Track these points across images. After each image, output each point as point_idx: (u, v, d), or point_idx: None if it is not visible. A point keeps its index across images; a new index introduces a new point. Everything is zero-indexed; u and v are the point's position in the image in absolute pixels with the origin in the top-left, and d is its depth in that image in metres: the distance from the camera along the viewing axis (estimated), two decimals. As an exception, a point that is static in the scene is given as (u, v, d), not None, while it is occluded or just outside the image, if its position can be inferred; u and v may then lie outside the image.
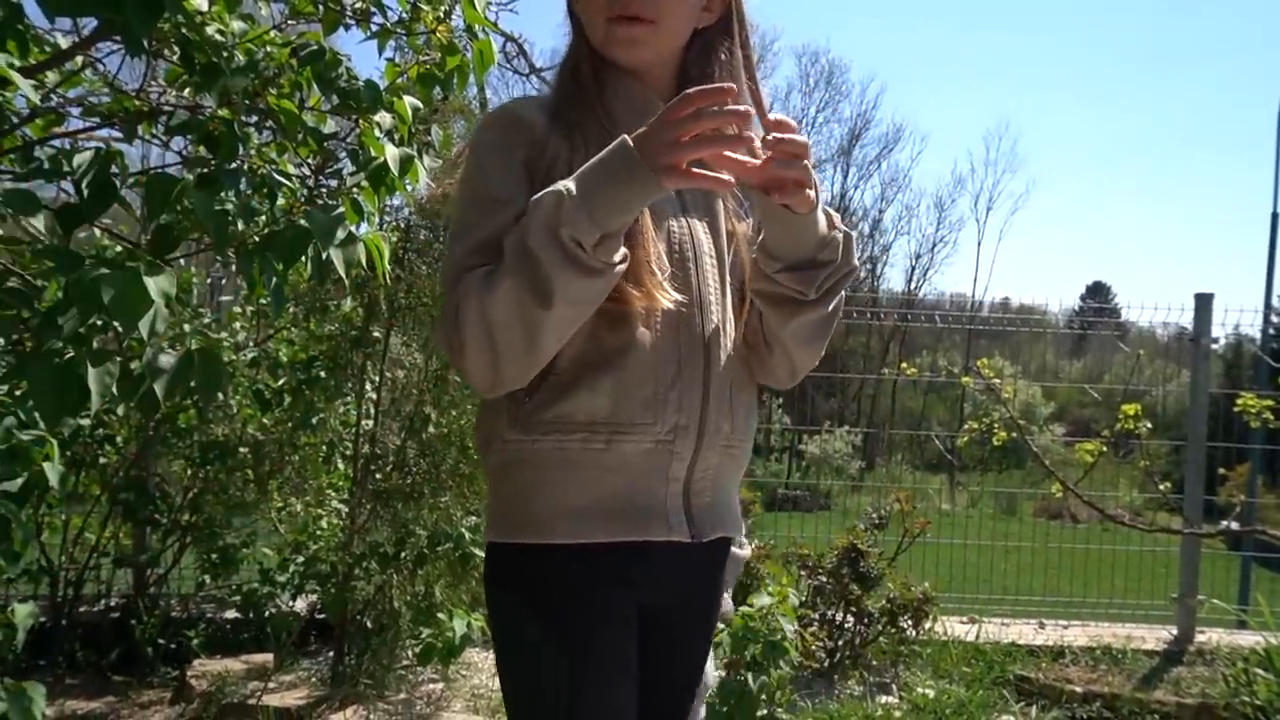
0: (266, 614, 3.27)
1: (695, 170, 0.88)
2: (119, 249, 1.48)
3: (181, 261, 2.94)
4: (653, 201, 0.95)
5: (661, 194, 0.91)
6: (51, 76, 1.54)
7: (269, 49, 1.58)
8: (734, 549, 1.23)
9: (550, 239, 0.89)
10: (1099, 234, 57.56)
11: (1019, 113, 56.84)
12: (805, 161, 0.95)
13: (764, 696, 2.67)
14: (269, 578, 3.30)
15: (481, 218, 1.02)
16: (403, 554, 3.07)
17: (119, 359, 1.18)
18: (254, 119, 1.55)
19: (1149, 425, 3.62)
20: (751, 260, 1.10)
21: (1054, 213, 56.78)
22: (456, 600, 3.12)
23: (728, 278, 1.14)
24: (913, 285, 28.32)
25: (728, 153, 0.89)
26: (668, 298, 1.02)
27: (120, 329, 1.12)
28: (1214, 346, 4.54)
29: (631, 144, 0.89)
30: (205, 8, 1.44)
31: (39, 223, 1.30)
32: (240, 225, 1.36)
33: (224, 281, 4.32)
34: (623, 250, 0.94)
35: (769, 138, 0.93)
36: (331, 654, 3.31)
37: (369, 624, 3.21)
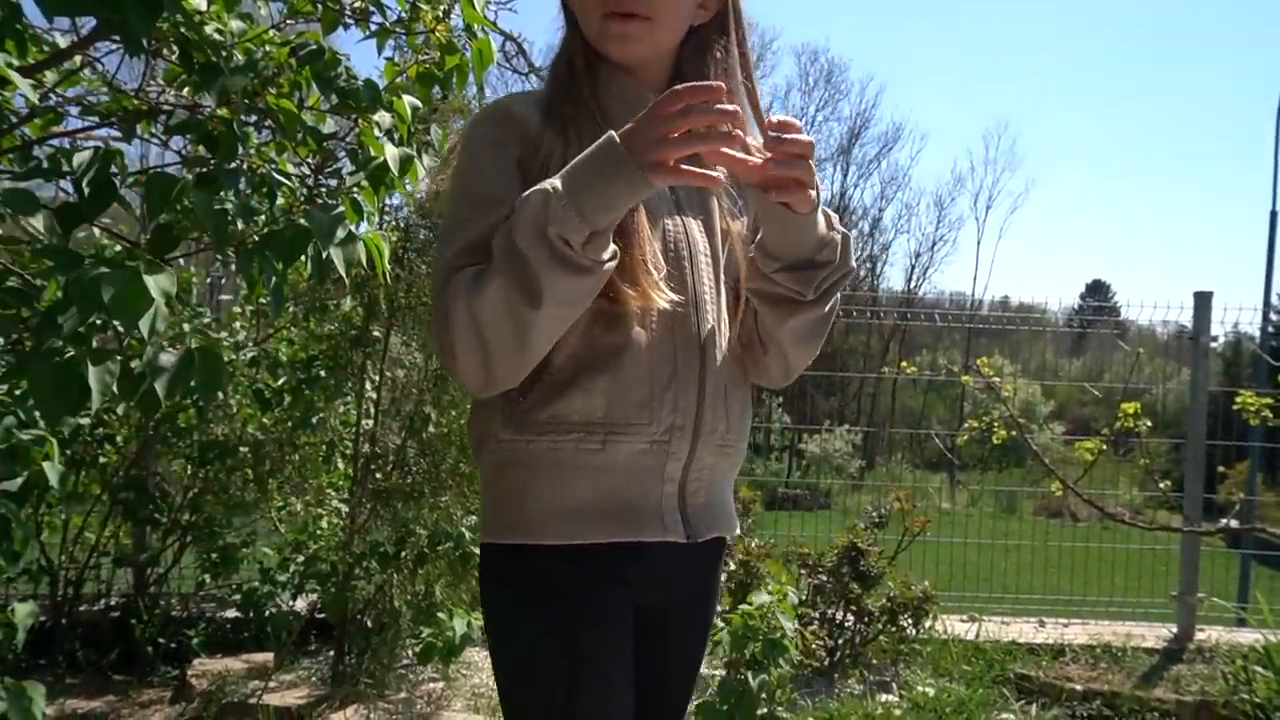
0: (267, 613, 3.27)
1: (685, 167, 0.87)
2: (119, 248, 1.48)
3: (181, 261, 2.94)
4: (642, 199, 0.94)
5: (650, 191, 0.90)
6: (50, 76, 1.54)
7: (268, 48, 1.58)
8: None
9: (538, 238, 0.88)
10: (1098, 232, 57.63)
11: (1018, 111, 56.88)
12: (807, 161, 0.94)
13: (764, 695, 2.67)
14: (269, 577, 3.30)
15: (473, 216, 1.01)
16: (403, 553, 3.07)
17: (119, 358, 1.18)
18: (253, 118, 1.55)
19: (1149, 423, 3.63)
20: (748, 259, 1.09)
21: (1053, 211, 56.83)
22: (457, 600, 3.12)
23: (722, 276, 1.14)
24: (912, 284, 28.35)
25: (725, 150, 0.88)
26: (663, 297, 1.01)
27: (120, 328, 1.12)
28: (1213, 345, 4.55)
29: (618, 140, 0.88)
30: (204, 7, 1.44)
31: (38, 222, 1.30)
32: (240, 225, 1.36)
33: (224, 281, 4.32)
34: (612, 248, 0.93)
35: (771, 137, 0.92)
36: (332, 653, 3.31)
37: (369, 623, 3.21)
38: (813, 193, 0.96)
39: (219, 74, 1.39)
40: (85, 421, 2.93)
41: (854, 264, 1.09)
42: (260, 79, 1.49)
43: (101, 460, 3.30)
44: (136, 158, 2.86)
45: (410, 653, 3.27)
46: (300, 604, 3.44)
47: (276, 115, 1.51)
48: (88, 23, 1.43)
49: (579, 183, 0.89)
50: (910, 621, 3.70)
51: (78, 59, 1.55)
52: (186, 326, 2.92)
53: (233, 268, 1.44)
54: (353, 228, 1.48)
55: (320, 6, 1.63)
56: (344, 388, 3.22)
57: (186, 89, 1.54)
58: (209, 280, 4.20)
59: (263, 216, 1.48)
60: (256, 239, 1.40)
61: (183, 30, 1.39)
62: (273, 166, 1.55)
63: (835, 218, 1.06)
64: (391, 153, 1.60)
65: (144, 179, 1.36)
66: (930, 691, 3.47)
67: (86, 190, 1.27)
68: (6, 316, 1.22)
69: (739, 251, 1.13)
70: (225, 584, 3.48)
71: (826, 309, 1.09)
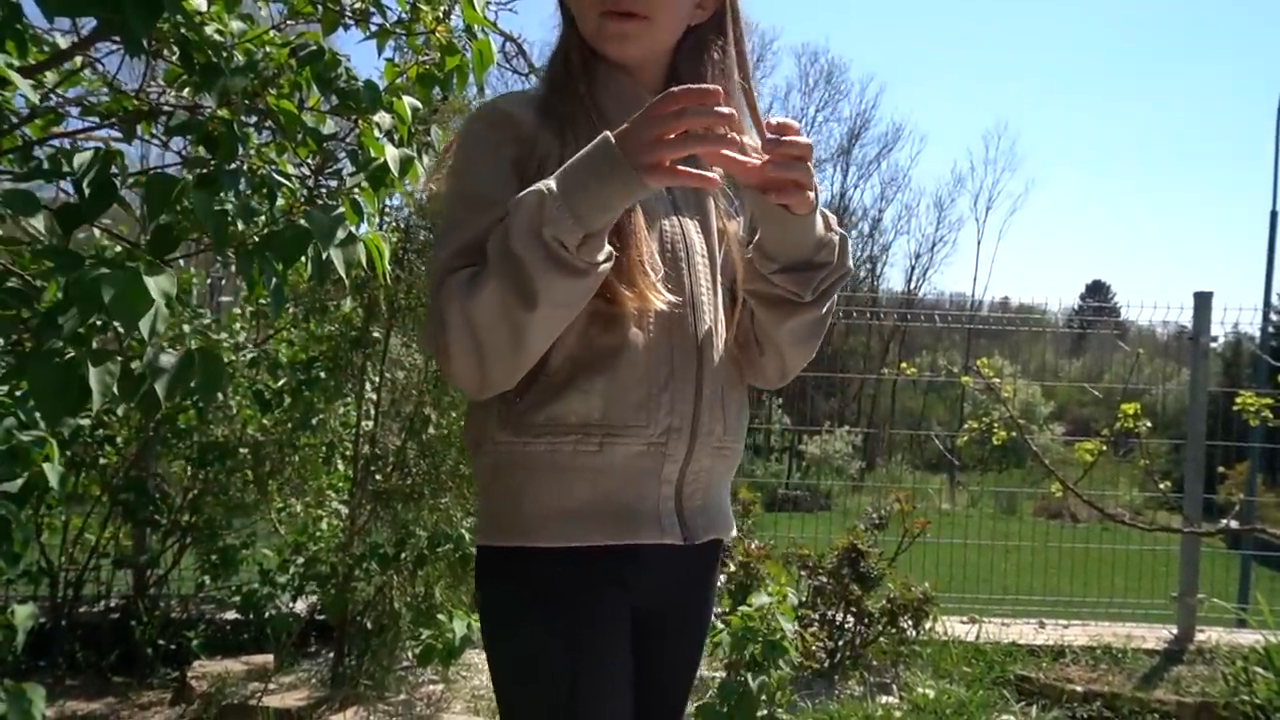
0: (266, 615, 3.27)
1: (681, 168, 0.86)
2: (119, 249, 1.48)
3: (181, 262, 2.94)
4: (638, 200, 0.93)
5: (646, 193, 0.89)
6: (51, 76, 1.54)
7: (268, 49, 1.58)
8: None
9: (533, 239, 0.88)
10: (1098, 233, 57.65)
11: (1018, 112, 56.92)
12: (806, 163, 0.94)
13: (764, 697, 2.67)
14: (269, 579, 3.29)
15: (467, 216, 1.00)
16: (403, 555, 3.07)
17: (119, 359, 1.18)
18: (253, 119, 1.55)
19: (1148, 424, 3.63)
20: (745, 260, 1.09)
21: (1053, 212, 56.84)
22: (456, 601, 3.12)
23: (719, 277, 1.13)
24: (912, 285, 28.37)
25: (724, 151, 0.88)
26: (661, 299, 1.01)
27: (120, 329, 1.12)
28: (1213, 345, 4.55)
29: (613, 141, 0.88)
30: (204, 8, 1.44)
31: (38, 223, 1.30)
32: (240, 225, 1.36)
33: (224, 282, 4.32)
34: (607, 249, 0.92)
35: (770, 139, 0.92)
36: (331, 655, 3.31)
37: (369, 625, 3.21)
38: (811, 194, 0.96)
39: (219, 75, 1.39)
40: (85, 423, 2.92)
41: (851, 265, 1.09)
42: (260, 80, 1.49)
43: (101, 461, 3.29)
44: (137, 158, 2.86)
45: (410, 654, 3.27)
46: (300, 606, 3.44)
47: (277, 116, 1.52)
48: (88, 23, 1.43)
49: (574, 184, 0.88)
50: (910, 623, 3.70)
51: (78, 59, 1.55)
52: (187, 327, 2.92)
53: (233, 269, 1.44)
54: (353, 229, 1.48)
55: (320, 7, 1.63)
56: (344, 389, 3.22)
57: (187, 90, 1.54)
58: (209, 281, 4.20)
59: (263, 217, 1.48)
60: (256, 240, 1.40)
61: (183, 31, 1.39)
62: (273, 167, 1.55)
63: (833, 219, 1.06)
64: (392, 154, 1.60)
65: (144, 180, 1.36)
66: (930, 693, 3.47)
67: (87, 191, 1.27)
68: (7, 317, 1.22)
69: (735, 252, 1.13)
70: (225, 585, 3.47)
71: (824, 310, 1.09)
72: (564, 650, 1.03)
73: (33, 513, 2.98)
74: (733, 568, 3.39)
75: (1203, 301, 4.43)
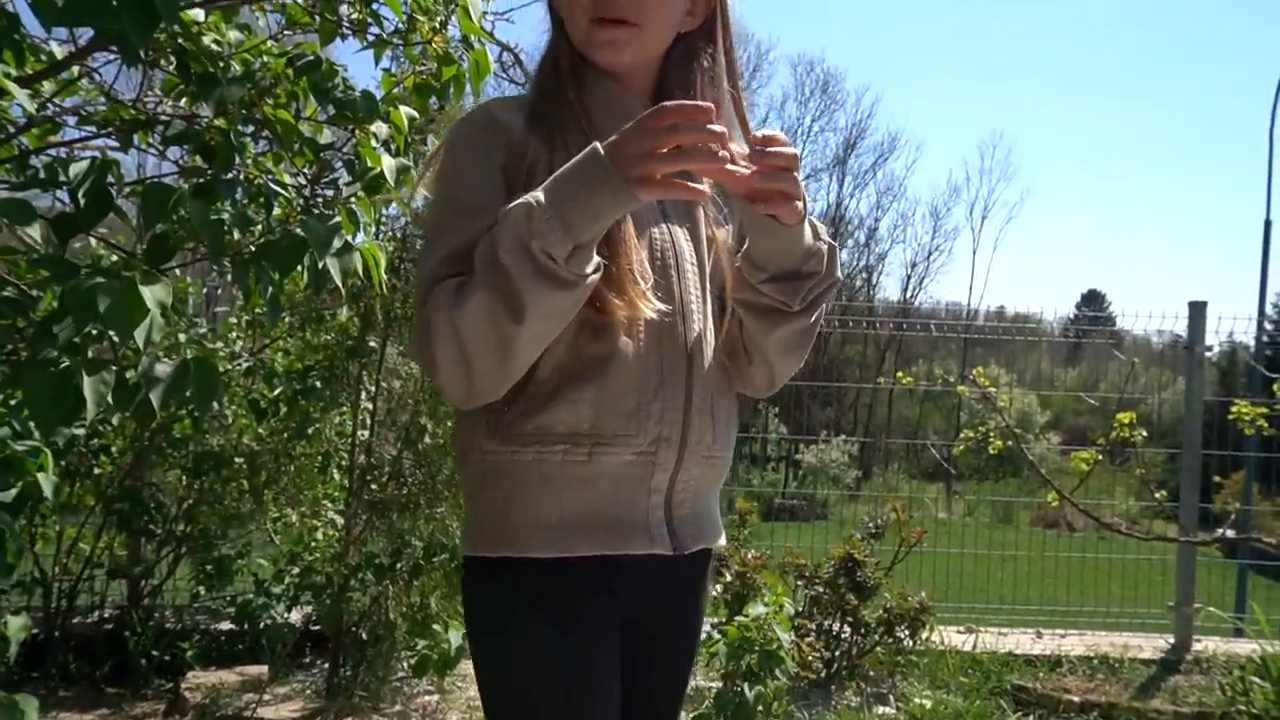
0: (261, 625, 3.25)
1: (671, 180, 0.86)
2: (115, 258, 1.48)
3: (177, 271, 2.94)
4: (627, 212, 0.93)
5: (635, 205, 0.89)
6: (48, 86, 1.54)
7: (265, 59, 1.58)
8: None
9: (521, 251, 0.87)
10: (1094, 242, 57.85)
11: (1013, 122, 57.19)
12: (793, 173, 0.94)
13: (760, 707, 2.66)
14: (264, 589, 3.28)
15: (456, 223, 1.00)
16: (398, 565, 3.06)
17: (114, 368, 1.18)
18: (250, 129, 1.55)
19: (1144, 433, 3.63)
20: (734, 269, 1.09)
21: (1048, 221, 57.06)
22: (452, 612, 3.11)
23: (708, 285, 1.13)
24: (908, 294, 28.43)
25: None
26: (651, 307, 1.00)
27: (116, 338, 1.11)
28: (1208, 354, 4.56)
29: (603, 153, 0.87)
30: (202, 18, 1.45)
31: (35, 232, 1.30)
32: (236, 235, 1.36)
33: (220, 291, 4.32)
34: (596, 260, 0.92)
35: (755, 151, 0.92)
36: (326, 666, 3.29)
37: (364, 635, 3.20)
38: (799, 204, 0.96)
39: (216, 84, 1.39)
40: (80, 432, 2.91)
41: (840, 274, 1.09)
42: (258, 89, 1.49)
43: (96, 471, 3.29)
44: (134, 168, 2.86)
45: (405, 665, 3.26)
46: (295, 616, 3.42)
47: (274, 126, 1.52)
48: (85, 33, 1.43)
49: (563, 195, 0.88)
50: (907, 633, 3.69)
51: (75, 69, 1.55)
52: (183, 337, 2.93)
53: (229, 278, 1.44)
54: (349, 238, 1.48)
55: (318, 18, 1.64)
56: (340, 398, 3.21)
57: (184, 99, 1.54)
58: (205, 290, 4.20)
59: (259, 227, 1.48)
60: (253, 249, 1.40)
61: (180, 41, 1.39)
62: (269, 177, 1.55)
63: (822, 228, 1.06)
64: (388, 163, 1.60)
65: (140, 189, 1.36)
66: (927, 703, 3.46)
67: (83, 200, 1.27)
68: (2, 326, 1.22)
69: (724, 260, 1.13)
70: (220, 596, 3.46)
71: (812, 320, 1.09)
72: (548, 660, 1.02)
73: (26, 523, 2.97)
74: (729, 577, 3.39)
75: (1197, 311, 4.45)
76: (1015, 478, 11.01)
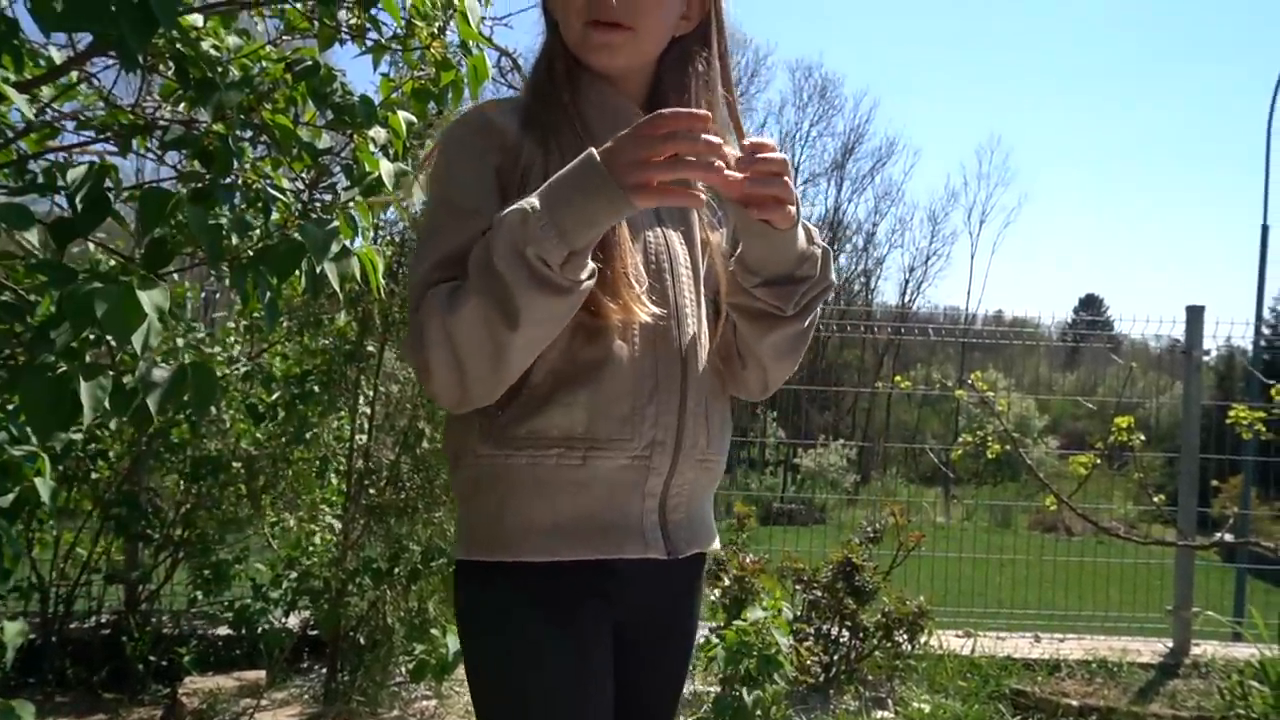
0: (259, 630, 3.25)
1: (667, 187, 0.86)
2: (113, 263, 1.48)
3: (175, 276, 2.94)
4: (623, 219, 0.93)
5: (631, 211, 0.89)
6: (47, 91, 1.54)
7: (264, 64, 1.58)
8: None
9: (516, 257, 0.87)
10: (1091, 247, 57.94)
11: (1011, 127, 57.29)
12: (784, 178, 0.94)
13: (759, 712, 2.66)
14: (261, 594, 3.28)
15: (449, 226, 0.99)
16: (396, 570, 3.06)
17: (111, 373, 1.18)
18: (249, 134, 1.56)
19: (1142, 438, 3.64)
20: (728, 274, 1.09)
21: (1046, 226, 57.14)
22: (450, 616, 3.10)
23: (702, 289, 1.13)
24: (906, 298, 28.46)
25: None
26: (645, 311, 1.00)
27: (113, 343, 1.11)
28: (1206, 359, 4.57)
29: (599, 159, 0.87)
30: (200, 23, 1.45)
31: (32, 237, 1.30)
32: (234, 240, 1.36)
33: (218, 296, 4.32)
34: (591, 266, 0.92)
35: (745, 159, 0.92)
36: (324, 671, 3.29)
37: (362, 640, 3.19)
38: (792, 209, 0.96)
39: (214, 89, 1.39)
40: (77, 437, 2.91)
41: (834, 278, 1.09)
42: (256, 94, 1.49)
43: (94, 476, 3.28)
44: (132, 172, 2.86)
45: (403, 670, 3.25)
46: (293, 621, 3.42)
47: (272, 130, 1.52)
48: (84, 38, 1.43)
49: (558, 201, 0.88)
50: (905, 637, 3.69)
51: (74, 74, 1.56)
52: (180, 341, 2.92)
53: (227, 283, 1.44)
54: (347, 243, 1.48)
55: (316, 23, 1.64)
56: (338, 403, 3.21)
57: (182, 104, 1.55)
58: (203, 295, 4.20)
59: (257, 232, 1.48)
60: (250, 254, 1.40)
61: (178, 46, 1.40)
62: (268, 182, 1.55)
63: (815, 232, 1.06)
64: (386, 168, 1.60)
65: (139, 194, 1.36)
66: (926, 708, 3.46)
67: (80, 205, 1.27)
68: (0, 331, 1.22)
69: (719, 263, 1.13)
70: (217, 601, 3.45)
71: (806, 324, 1.08)
72: (541, 664, 1.02)
73: (24, 528, 2.96)
74: (727, 582, 3.39)
75: (1195, 315, 4.46)
76: (1013, 482, 11.00)
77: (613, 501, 1.03)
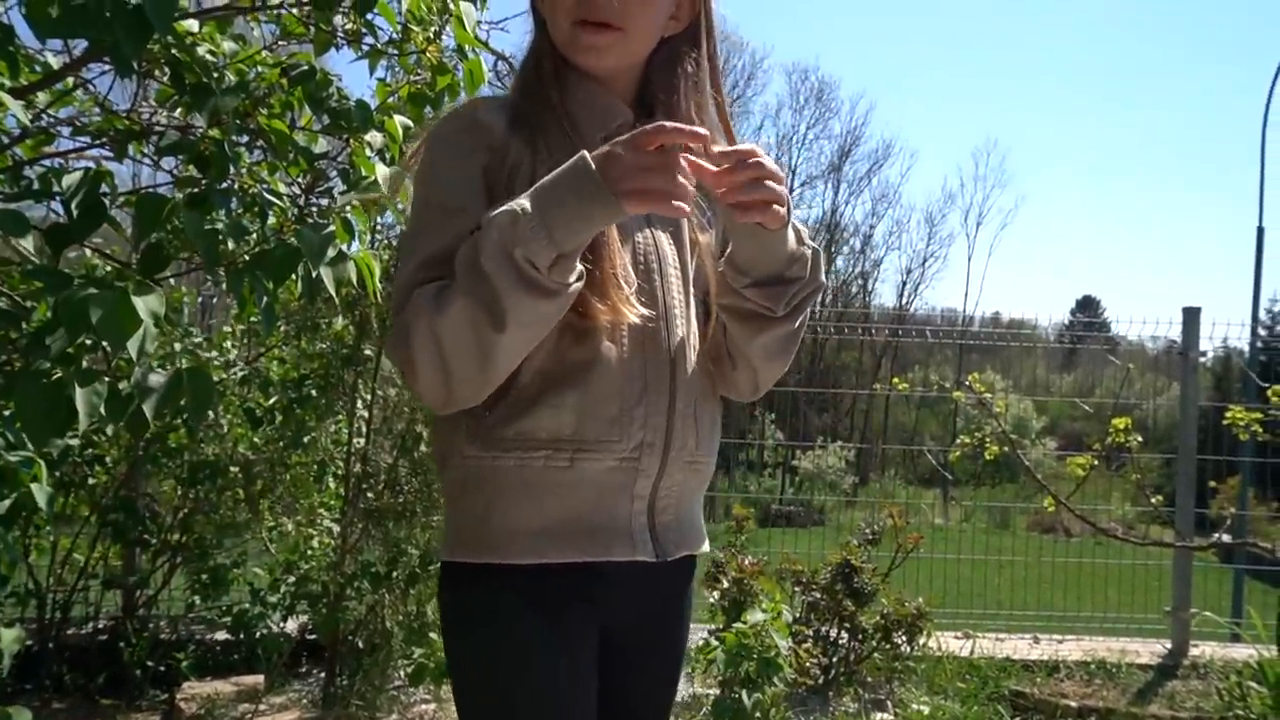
0: (257, 635, 3.24)
1: (658, 195, 0.87)
2: (109, 269, 1.48)
3: (172, 281, 2.94)
4: (615, 223, 0.93)
5: (622, 217, 0.89)
6: (43, 97, 1.54)
7: (260, 69, 1.58)
8: None
9: (504, 259, 0.87)
10: (1088, 248, 58.01)
11: (1007, 129, 57.38)
12: (769, 182, 0.94)
13: (758, 714, 2.66)
14: (260, 598, 3.27)
15: (435, 225, 0.99)
16: (395, 573, 3.06)
17: (107, 379, 1.18)
18: (245, 139, 1.56)
19: (1140, 439, 3.64)
20: (718, 274, 1.09)
21: (1043, 227, 57.22)
22: (449, 619, 3.10)
23: (692, 289, 1.12)
24: (904, 300, 28.53)
25: (697, 161, 0.89)
26: (634, 312, 0.99)
27: (109, 349, 1.11)
28: (1203, 360, 4.57)
29: (593, 164, 0.87)
30: (196, 29, 1.45)
31: (28, 243, 1.30)
32: (231, 244, 1.36)
33: (215, 300, 4.32)
34: (579, 269, 0.92)
35: (728, 167, 0.93)
36: (323, 675, 3.28)
37: (361, 644, 3.19)
38: (781, 210, 0.96)
39: (210, 94, 1.39)
40: (74, 443, 2.91)
41: (824, 279, 1.09)
42: (252, 99, 1.50)
43: (91, 481, 3.27)
44: (128, 178, 2.86)
45: (402, 674, 3.25)
46: (291, 625, 3.41)
47: (268, 135, 1.52)
48: (80, 44, 1.43)
49: (549, 203, 0.87)
50: (904, 639, 3.69)
51: (70, 80, 1.56)
52: (177, 346, 2.92)
53: (224, 287, 1.44)
54: (343, 247, 1.48)
55: (313, 28, 1.64)
56: (335, 407, 3.21)
57: (178, 109, 1.55)
58: (200, 300, 4.19)
59: (254, 236, 1.48)
60: (247, 258, 1.40)
61: (174, 51, 1.40)
62: (264, 186, 1.55)
63: (806, 232, 1.06)
64: (383, 172, 1.61)
65: (134, 199, 1.36)
66: (925, 709, 3.45)
67: (76, 211, 1.27)
68: (-5, 337, 1.22)
69: (708, 264, 1.13)
70: (215, 605, 3.45)
71: (796, 325, 1.08)
72: (538, 648, 1.02)
73: (21, 534, 2.96)
74: (726, 584, 3.38)
75: (1191, 317, 4.46)
76: (1012, 483, 11.01)
77: (601, 503, 1.03)
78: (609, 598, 1.06)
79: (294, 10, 1.63)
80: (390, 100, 1.77)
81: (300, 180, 1.72)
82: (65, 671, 3.23)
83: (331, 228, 1.47)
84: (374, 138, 1.63)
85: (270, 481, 3.37)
